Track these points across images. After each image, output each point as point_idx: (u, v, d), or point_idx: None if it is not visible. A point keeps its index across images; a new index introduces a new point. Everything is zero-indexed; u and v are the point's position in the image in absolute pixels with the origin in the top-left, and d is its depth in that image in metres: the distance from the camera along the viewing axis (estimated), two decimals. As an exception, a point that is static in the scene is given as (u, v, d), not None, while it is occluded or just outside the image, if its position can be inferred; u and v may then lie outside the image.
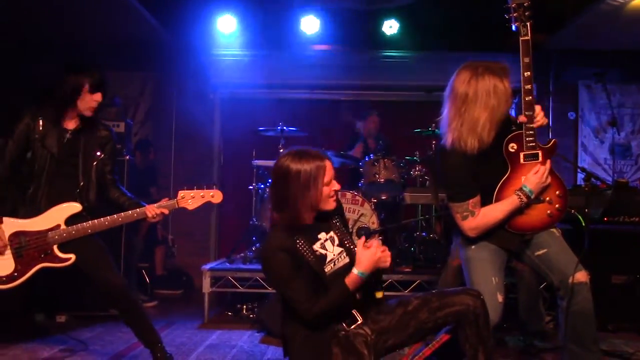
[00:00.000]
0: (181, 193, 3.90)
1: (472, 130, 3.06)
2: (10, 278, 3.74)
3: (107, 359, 4.27)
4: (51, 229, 3.79)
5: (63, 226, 3.80)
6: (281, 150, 6.39)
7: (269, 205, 2.95)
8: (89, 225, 3.80)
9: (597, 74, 7.32)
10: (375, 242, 2.83)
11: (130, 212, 3.84)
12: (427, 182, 6.69)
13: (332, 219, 3.02)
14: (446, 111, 3.18)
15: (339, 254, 2.94)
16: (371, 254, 2.80)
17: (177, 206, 3.88)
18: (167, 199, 3.91)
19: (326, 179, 2.86)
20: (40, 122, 3.83)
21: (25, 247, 3.76)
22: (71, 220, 3.82)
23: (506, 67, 3.13)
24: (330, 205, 2.93)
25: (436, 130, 6.53)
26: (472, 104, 3.05)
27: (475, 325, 2.83)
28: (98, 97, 3.85)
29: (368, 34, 7.68)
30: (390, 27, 7.53)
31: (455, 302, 2.85)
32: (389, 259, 2.85)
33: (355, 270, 2.80)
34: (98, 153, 3.96)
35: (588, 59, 7.92)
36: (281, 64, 8.05)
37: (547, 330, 4.88)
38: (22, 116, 3.84)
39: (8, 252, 3.75)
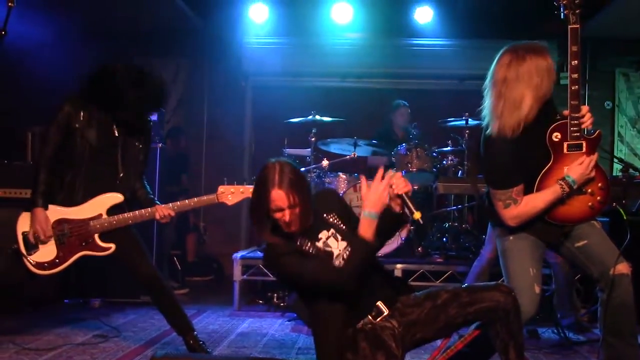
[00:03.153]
0: (221, 188, 3.91)
1: (513, 109, 3.01)
2: (52, 264, 3.80)
3: (140, 345, 4.29)
4: (93, 218, 3.83)
5: (105, 216, 3.84)
6: (312, 139, 6.37)
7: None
8: (130, 216, 3.84)
9: (637, 62, 7.18)
10: (377, 179, 2.73)
11: (143, 211, 3.88)
12: (460, 172, 6.63)
13: (327, 216, 2.95)
14: (488, 98, 3.13)
15: (344, 248, 2.85)
16: (375, 190, 2.71)
17: (217, 201, 3.90)
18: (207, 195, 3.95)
19: (271, 207, 2.77)
20: (82, 113, 3.83)
21: (67, 235, 3.81)
22: (112, 210, 3.86)
23: (546, 45, 3.08)
24: (290, 229, 2.80)
25: (469, 119, 6.47)
26: (514, 83, 3.00)
27: (506, 322, 2.77)
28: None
29: (400, 22, 7.62)
30: (423, 15, 7.45)
31: (486, 299, 2.79)
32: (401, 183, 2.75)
33: (364, 212, 2.71)
34: (137, 143, 3.99)
35: (625, 46, 7.78)
36: (313, 52, 8.01)
37: (582, 322, 4.81)
38: (63, 105, 3.83)
39: (51, 239, 3.80)
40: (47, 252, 3.80)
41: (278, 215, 2.76)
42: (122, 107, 3.79)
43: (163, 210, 3.86)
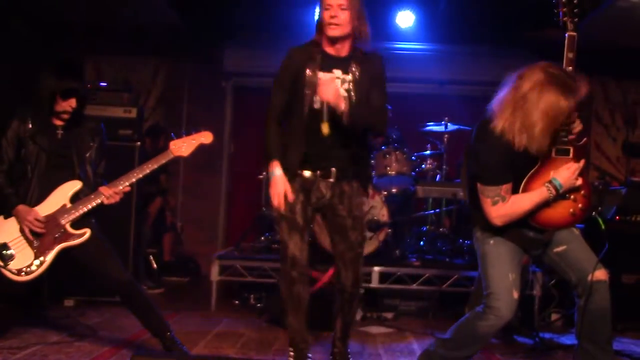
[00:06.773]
0: (172, 143, 3.92)
1: (524, 130, 2.97)
2: (32, 266, 3.75)
3: (116, 345, 4.26)
4: (59, 210, 3.80)
5: (69, 204, 3.82)
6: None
7: None
8: (93, 196, 3.80)
9: (613, 71, 7.25)
10: None
11: (87, 197, 3.83)
12: (438, 176, 6.66)
13: (351, 66, 3.47)
14: (504, 94, 3.07)
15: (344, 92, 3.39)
16: None
17: (172, 155, 3.89)
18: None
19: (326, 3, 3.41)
20: (30, 121, 3.87)
21: (38, 234, 3.76)
22: (75, 198, 3.84)
23: (577, 86, 2.99)
24: (330, 31, 3.42)
25: (449, 124, 6.51)
26: (532, 107, 2.94)
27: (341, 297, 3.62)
28: (72, 102, 3.83)
29: (382, 25, 7.62)
30: (405, 19, 7.47)
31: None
32: None
33: None
34: (91, 143, 3.98)
35: (602, 54, 7.84)
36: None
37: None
38: (11, 121, 3.87)
39: (23, 243, 3.76)
40: (23, 257, 3.74)
41: (325, 13, 3.42)
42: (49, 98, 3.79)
43: (106, 190, 3.80)
